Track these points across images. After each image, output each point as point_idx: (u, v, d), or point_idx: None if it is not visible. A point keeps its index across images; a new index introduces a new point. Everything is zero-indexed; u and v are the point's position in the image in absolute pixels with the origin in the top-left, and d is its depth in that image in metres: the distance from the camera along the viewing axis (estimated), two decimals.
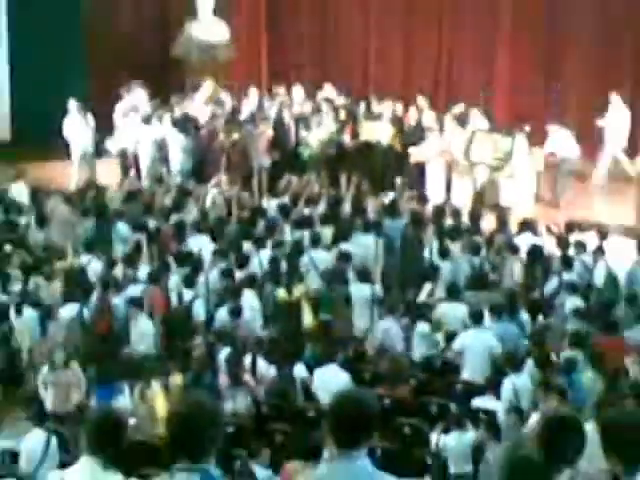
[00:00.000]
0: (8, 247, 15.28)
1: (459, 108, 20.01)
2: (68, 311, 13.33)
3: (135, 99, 20.89)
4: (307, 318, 13.92)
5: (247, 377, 11.85)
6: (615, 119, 19.48)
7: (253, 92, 21.76)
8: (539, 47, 21.55)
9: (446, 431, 10.52)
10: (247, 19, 23.58)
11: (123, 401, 10.85)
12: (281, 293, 14.31)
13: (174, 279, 14.27)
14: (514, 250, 15.37)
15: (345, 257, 14.78)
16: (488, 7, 22.09)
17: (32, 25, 21.49)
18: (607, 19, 20.68)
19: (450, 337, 12.98)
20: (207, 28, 22.53)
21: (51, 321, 13.19)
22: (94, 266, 14.74)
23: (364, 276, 14.41)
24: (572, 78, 21.01)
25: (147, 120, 20.45)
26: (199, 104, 21.41)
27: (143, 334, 12.83)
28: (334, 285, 14.47)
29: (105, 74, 22.00)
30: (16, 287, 14.12)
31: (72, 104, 20.08)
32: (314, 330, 13.75)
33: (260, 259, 15.03)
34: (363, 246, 15.53)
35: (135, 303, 13.23)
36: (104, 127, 20.71)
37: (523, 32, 21.61)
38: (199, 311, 13.72)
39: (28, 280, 14.22)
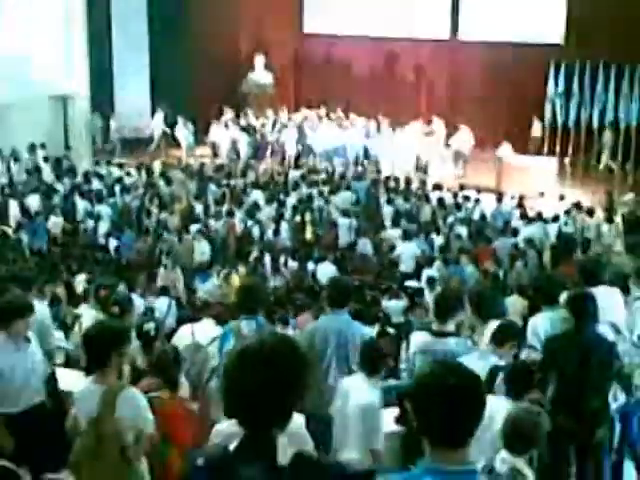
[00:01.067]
0: (148, 196, 15.13)
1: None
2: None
3: (225, 116, 20.54)
4: (307, 234, 13.89)
5: (282, 268, 11.91)
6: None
7: (285, 112, 21.33)
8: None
9: (390, 299, 10.58)
10: (282, 72, 22.88)
11: (212, 281, 10.82)
12: (297, 219, 14.30)
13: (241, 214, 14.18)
14: (427, 200, 15.34)
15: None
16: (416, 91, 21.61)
17: (166, 67, 20.94)
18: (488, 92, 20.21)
19: None
20: (260, 75, 22.13)
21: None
22: (197, 207, 14.71)
23: (346, 213, 14.32)
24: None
25: (226, 126, 20.17)
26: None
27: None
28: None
29: (204, 102, 21.14)
30: (154, 218, 14.11)
31: (179, 119, 19.73)
32: (312, 240, 13.77)
33: (288, 203, 14.93)
34: (344, 197, 15.44)
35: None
36: (202, 131, 20.36)
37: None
38: (255, 232, 13.67)
39: (160, 214, 14.18)
